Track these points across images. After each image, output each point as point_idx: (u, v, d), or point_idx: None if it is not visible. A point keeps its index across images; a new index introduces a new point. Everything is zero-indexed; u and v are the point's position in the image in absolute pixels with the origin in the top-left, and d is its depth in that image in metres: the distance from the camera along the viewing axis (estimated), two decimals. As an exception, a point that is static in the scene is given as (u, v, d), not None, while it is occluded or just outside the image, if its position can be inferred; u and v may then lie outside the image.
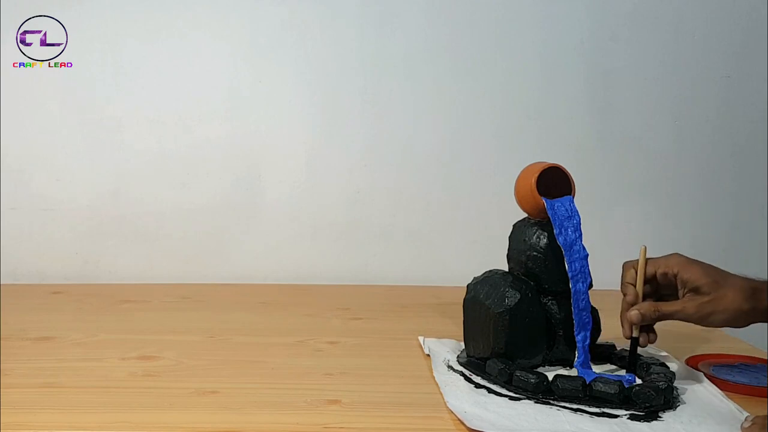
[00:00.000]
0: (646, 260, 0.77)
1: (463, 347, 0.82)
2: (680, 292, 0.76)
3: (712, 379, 0.76)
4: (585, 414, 0.66)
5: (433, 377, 0.75)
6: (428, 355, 0.82)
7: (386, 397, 0.70)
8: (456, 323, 0.81)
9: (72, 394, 0.69)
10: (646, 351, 0.85)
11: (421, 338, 0.88)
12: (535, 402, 0.69)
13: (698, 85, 1.28)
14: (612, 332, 0.86)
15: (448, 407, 0.66)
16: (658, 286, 0.78)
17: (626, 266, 0.79)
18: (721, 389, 0.74)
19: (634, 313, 0.75)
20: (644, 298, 0.77)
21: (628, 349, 0.77)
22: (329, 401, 0.68)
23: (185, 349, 0.84)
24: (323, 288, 1.21)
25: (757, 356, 0.86)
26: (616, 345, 0.84)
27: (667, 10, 1.26)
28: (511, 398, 0.70)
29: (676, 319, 0.75)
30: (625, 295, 0.77)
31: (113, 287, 1.17)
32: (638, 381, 0.74)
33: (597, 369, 0.78)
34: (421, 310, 1.07)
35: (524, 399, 0.69)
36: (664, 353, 0.84)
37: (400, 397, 0.70)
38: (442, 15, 1.24)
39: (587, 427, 0.63)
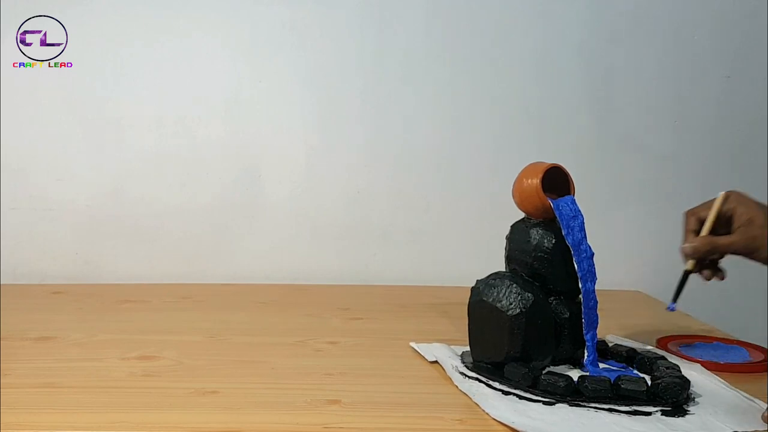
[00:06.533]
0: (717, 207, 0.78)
1: (456, 350, 0.82)
2: (734, 226, 0.76)
3: (705, 364, 0.78)
4: (622, 414, 0.65)
5: (456, 385, 0.73)
6: (435, 361, 0.80)
7: (386, 397, 0.70)
8: (455, 324, 0.81)
9: (72, 394, 0.69)
10: (637, 343, 0.86)
11: (413, 344, 0.86)
12: (569, 405, 0.67)
13: (698, 85, 1.28)
14: (606, 331, 0.87)
15: (492, 417, 0.64)
16: (717, 226, 0.79)
17: (689, 214, 0.80)
18: (708, 368, 0.77)
19: (686, 246, 0.77)
20: None
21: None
22: (329, 401, 0.68)
23: (185, 349, 0.84)
24: (323, 288, 1.21)
25: (712, 335, 0.91)
26: (607, 341, 0.85)
27: (667, 10, 1.26)
28: (545, 403, 0.68)
29: (728, 252, 0.76)
30: (686, 241, 0.79)
31: (113, 287, 1.17)
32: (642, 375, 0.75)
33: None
34: (421, 310, 1.07)
35: (557, 403, 0.68)
36: (629, 342, 0.86)
37: (400, 397, 0.70)
38: (442, 15, 1.24)
39: (638, 428, 0.62)
